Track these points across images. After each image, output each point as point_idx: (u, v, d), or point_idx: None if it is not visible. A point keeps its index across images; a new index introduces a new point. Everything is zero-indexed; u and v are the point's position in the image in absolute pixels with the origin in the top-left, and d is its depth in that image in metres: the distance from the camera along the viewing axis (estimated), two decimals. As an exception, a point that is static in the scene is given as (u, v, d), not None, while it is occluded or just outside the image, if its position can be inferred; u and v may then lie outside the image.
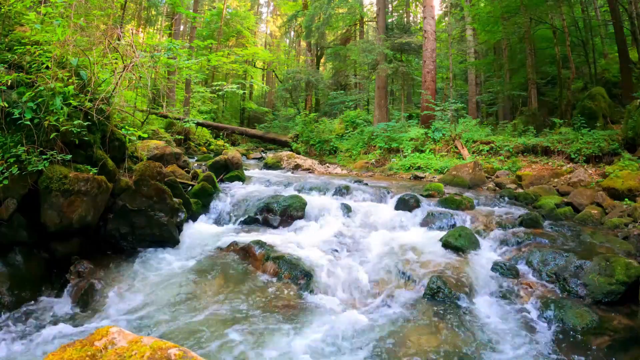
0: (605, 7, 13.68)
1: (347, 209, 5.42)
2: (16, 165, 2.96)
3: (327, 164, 11.49)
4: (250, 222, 5.17)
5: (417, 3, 22.90)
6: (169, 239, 4.14)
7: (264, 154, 14.46)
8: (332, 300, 3.30)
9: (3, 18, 3.59)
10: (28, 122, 3.04)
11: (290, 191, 6.20)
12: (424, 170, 9.37)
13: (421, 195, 6.01)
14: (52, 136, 3.17)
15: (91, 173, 3.45)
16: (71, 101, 3.30)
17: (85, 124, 3.36)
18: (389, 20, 17.86)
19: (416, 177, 8.90)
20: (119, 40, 4.64)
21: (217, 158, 7.41)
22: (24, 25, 3.75)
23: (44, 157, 3.13)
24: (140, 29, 19.54)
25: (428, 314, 3.02)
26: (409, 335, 2.75)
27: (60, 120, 3.18)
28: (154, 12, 23.49)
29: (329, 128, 14.11)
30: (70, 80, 3.32)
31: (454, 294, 3.21)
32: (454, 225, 4.84)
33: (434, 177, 8.66)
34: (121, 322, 2.81)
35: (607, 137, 7.96)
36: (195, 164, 8.28)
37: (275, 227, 5.02)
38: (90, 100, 3.56)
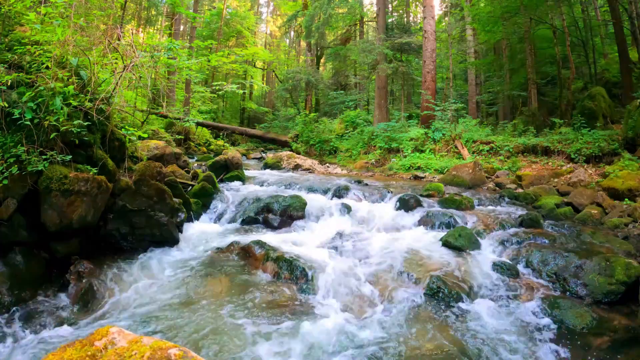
0: (605, 7, 13.68)
1: (347, 209, 5.42)
2: (16, 165, 2.96)
3: (327, 164, 11.48)
4: (250, 222, 5.17)
5: (417, 3, 22.93)
6: (169, 239, 4.14)
7: (264, 154, 14.47)
8: (332, 300, 3.30)
9: (3, 18, 3.59)
10: (28, 122, 3.04)
11: (290, 191, 6.20)
12: (424, 170, 9.37)
13: (421, 195, 6.01)
14: (52, 136, 3.17)
15: (91, 173, 3.45)
16: (71, 101, 3.30)
17: (85, 124, 3.36)
18: (389, 20, 17.85)
19: (416, 177, 8.90)
20: (119, 40, 4.64)
21: (217, 158, 7.42)
22: (24, 25, 3.74)
23: (44, 157, 3.13)
24: (140, 29, 19.55)
25: (428, 314, 3.02)
26: (408, 335, 2.75)
27: (60, 120, 3.18)
28: (154, 12, 23.50)
29: (329, 128, 14.11)
30: (70, 80, 3.32)
31: (454, 294, 3.21)
32: (454, 225, 4.84)
33: (434, 177, 8.66)
34: (121, 322, 2.80)
35: (607, 137, 7.97)
36: (195, 164, 8.27)
37: (275, 227, 5.02)
38: (90, 100, 3.56)
